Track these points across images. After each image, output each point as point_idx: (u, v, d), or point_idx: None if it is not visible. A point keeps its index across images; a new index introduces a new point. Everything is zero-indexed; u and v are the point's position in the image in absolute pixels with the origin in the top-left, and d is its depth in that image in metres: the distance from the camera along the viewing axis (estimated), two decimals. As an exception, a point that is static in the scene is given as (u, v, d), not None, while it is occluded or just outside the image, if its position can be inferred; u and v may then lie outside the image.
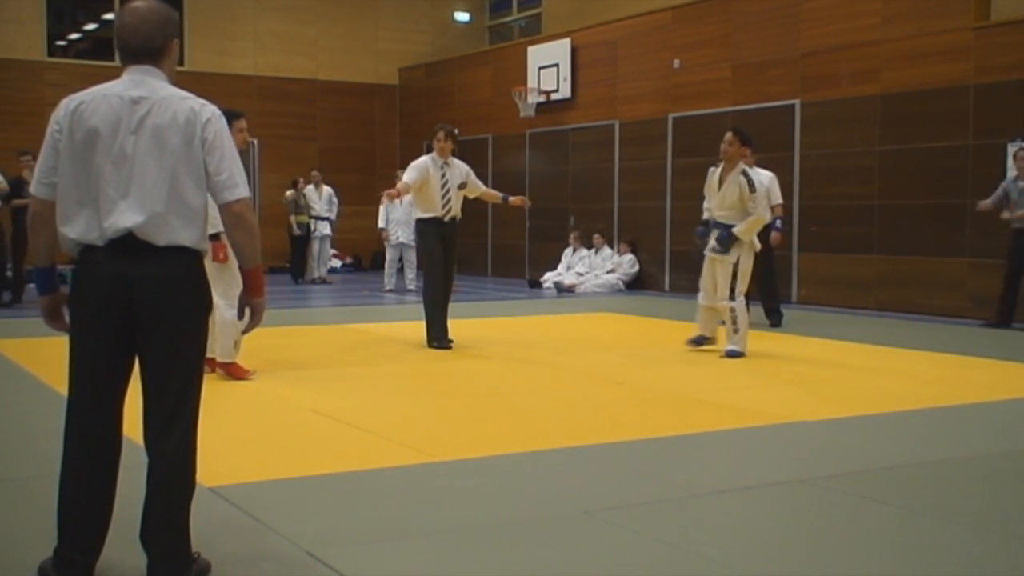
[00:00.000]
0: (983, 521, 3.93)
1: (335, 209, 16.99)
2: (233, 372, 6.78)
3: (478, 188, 8.92)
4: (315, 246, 16.61)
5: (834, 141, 12.54)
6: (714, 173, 8.22)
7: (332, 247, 17.43)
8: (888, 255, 12.02)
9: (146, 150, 3.02)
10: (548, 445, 5.06)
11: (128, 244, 3.01)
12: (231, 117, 6.60)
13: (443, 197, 8.46)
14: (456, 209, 8.56)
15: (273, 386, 6.60)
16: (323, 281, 16.43)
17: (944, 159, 11.42)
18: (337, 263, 18.54)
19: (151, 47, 3.16)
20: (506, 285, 16.26)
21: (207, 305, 3.19)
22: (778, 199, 10.40)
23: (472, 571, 3.36)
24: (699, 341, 8.38)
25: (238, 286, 6.50)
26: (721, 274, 8.13)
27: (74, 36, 19.21)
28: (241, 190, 3.11)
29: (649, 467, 4.71)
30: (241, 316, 3.30)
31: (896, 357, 8.31)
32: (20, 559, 3.44)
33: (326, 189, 16.91)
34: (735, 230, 7.96)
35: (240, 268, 3.26)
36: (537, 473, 4.58)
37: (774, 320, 10.34)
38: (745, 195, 7.93)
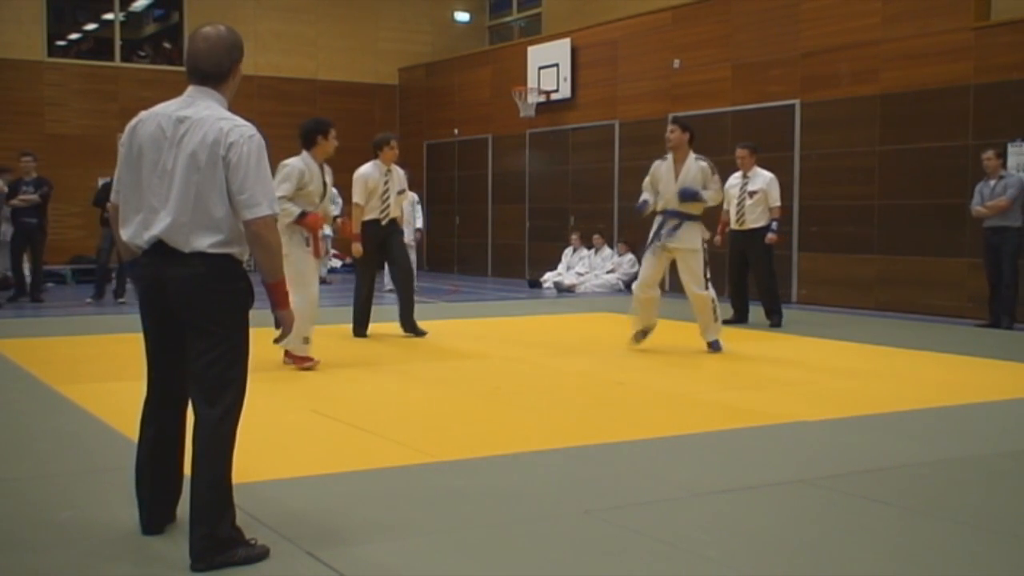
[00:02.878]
0: (983, 521, 3.93)
1: (338, 209, 16.97)
2: (297, 362, 7.23)
3: (406, 198, 9.43)
4: (315, 246, 16.60)
5: (834, 141, 12.53)
6: (660, 166, 8.26)
7: (332, 247, 17.42)
8: (888, 255, 12.02)
9: (182, 165, 3.33)
10: (548, 445, 5.06)
11: (161, 249, 3.37)
12: (321, 127, 7.35)
13: (383, 202, 8.98)
14: (395, 211, 9.10)
15: (273, 386, 6.59)
16: (323, 281, 16.42)
17: (944, 159, 11.41)
18: (337, 263, 18.53)
19: (219, 72, 3.47)
20: (506, 285, 16.25)
21: (237, 301, 3.41)
22: (776, 201, 10.41)
23: (472, 571, 3.36)
24: (645, 334, 8.40)
25: (306, 283, 7.07)
26: (694, 263, 8.20)
27: (74, 36, 19.22)
28: (262, 209, 3.33)
29: (649, 467, 4.70)
30: (277, 326, 3.52)
31: (896, 357, 8.31)
32: (20, 559, 3.44)
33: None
34: (705, 194, 8.12)
35: (263, 282, 3.45)
36: (537, 473, 4.58)
37: (774, 321, 10.33)
38: (708, 176, 8.14)
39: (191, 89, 3.47)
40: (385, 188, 8.97)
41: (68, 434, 5.29)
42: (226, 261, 3.38)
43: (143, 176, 3.40)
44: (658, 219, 8.32)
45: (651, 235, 8.35)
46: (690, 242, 8.19)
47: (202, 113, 3.36)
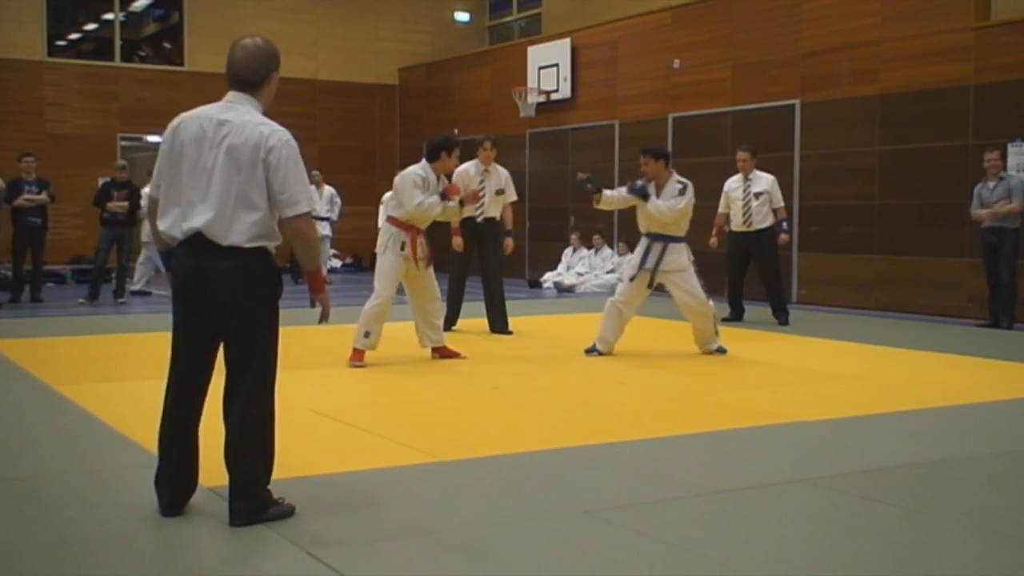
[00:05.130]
0: (983, 521, 3.93)
1: (337, 209, 16.98)
2: (352, 357, 7.64)
3: (507, 199, 9.61)
4: (315, 246, 16.59)
5: (834, 141, 12.53)
6: (648, 184, 8.13)
7: (332, 247, 17.43)
8: (888, 255, 12.02)
9: (222, 164, 3.64)
10: (548, 445, 5.06)
11: (200, 241, 3.67)
12: (448, 145, 7.81)
13: (478, 200, 9.27)
14: (491, 211, 9.47)
15: (273, 386, 6.59)
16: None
17: (944, 159, 11.41)
18: (337, 263, 18.54)
19: (254, 79, 3.82)
20: (506, 285, 16.14)
21: (271, 292, 3.77)
22: (779, 202, 10.58)
23: (472, 571, 3.36)
24: (599, 353, 8.19)
25: (382, 284, 7.72)
26: (687, 282, 8.03)
27: (74, 36, 19.20)
28: (301, 207, 3.68)
29: (649, 467, 4.70)
30: (312, 306, 3.94)
31: (896, 357, 8.31)
32: (20, 559, 3.44)
33: (327, 189, 16.90)
34: (653, 200, 7.95)
35: (302, 271, 3.90)
36: (537, 473, 4.58)
37: (782, 319, 10.46)
38: (672, 195, 7.98)
39: (230, 95, 3.78)
40: (481, 188, 9.31)
41: (68, 434, 5.29)
42: (260, 254, 3.70)
43: (183, 172, 3.69)
44: (643, 242, 8.21)
45: (638, 259, 8.19)
46: (677, 264, 8.05)
47: (243, 118, 3.69)
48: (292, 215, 3.66)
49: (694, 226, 8.41)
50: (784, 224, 10.61)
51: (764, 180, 10.53)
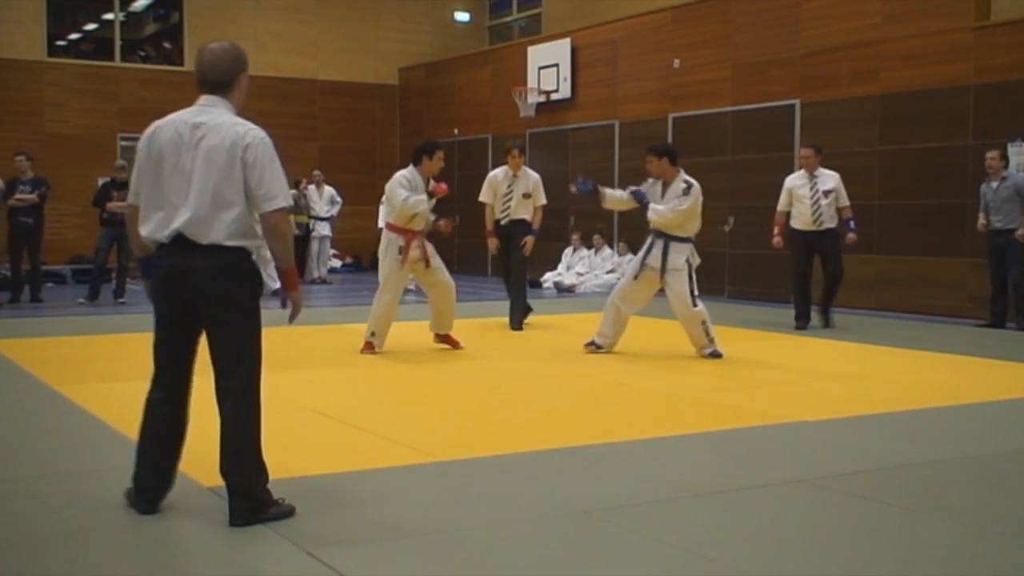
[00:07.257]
0: (983, 521, 3.93)
1: (337, 208, 16.99)
2: (363, 347, 8.16)
3: (535, 203, 10.10)
4: (315, 246, 16.62)
5: (834, 141, 12.49)
6: (655, 184, 8.16)
7: (332, 247, 17.44)
8: (888, 255, 12.02)
9: (200, 166, 3.69)
10: (548, 445, 5.06)
11: (182, 242, 3.72)
12: (428, 148, 8.23)
13: (504, 204, 9.99)
14: (517, 213, 10.01)
15: (273, 386, 6.57)
16: (323, 281, 16.43)
17: (944, 159, 11.41)
18: (337, 263, 18.54)
19: (224, 81, 3.83)
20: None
21: (251, 290, 3.81)
22: (845, 200, 10.12)
23: (472, 571, 3.36)
24: (599, 347, 8.23)
25: (385, 288, 8.18)
26: (677, 283, 7.94)
27: (74, 36, 19.21)
28: (278, 202, 3.72)
29: (649, 467, 4.70)
30: (283, 306, 3.95)
31: (896, 357, 8.31)
32: (20, 558, 3.44)
33: (327, 189, 16.92)
34: (653, 207, 7.98)
35: (276, 267, 3.89)
36: (537, 473, 4.58)
37: (830, 321, 10.15)
38: (676, 195, 7.96)
39: (203, 98, 3.82)
40: (508, 191, 9.96)
41: (68, 434, 5.29)
42: (240, 253, 3.74)
43: (163, 177, 3.73)
44: (648, 239, 8.17)
45: (640, 256, 8.20)
46: (673, 263, 7.95)
47: (217, 119, 3.73)
48: (269, 210, 3.70)
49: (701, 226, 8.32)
50: (851, 223, 10.12)
51: (831, 178, 10.09)
